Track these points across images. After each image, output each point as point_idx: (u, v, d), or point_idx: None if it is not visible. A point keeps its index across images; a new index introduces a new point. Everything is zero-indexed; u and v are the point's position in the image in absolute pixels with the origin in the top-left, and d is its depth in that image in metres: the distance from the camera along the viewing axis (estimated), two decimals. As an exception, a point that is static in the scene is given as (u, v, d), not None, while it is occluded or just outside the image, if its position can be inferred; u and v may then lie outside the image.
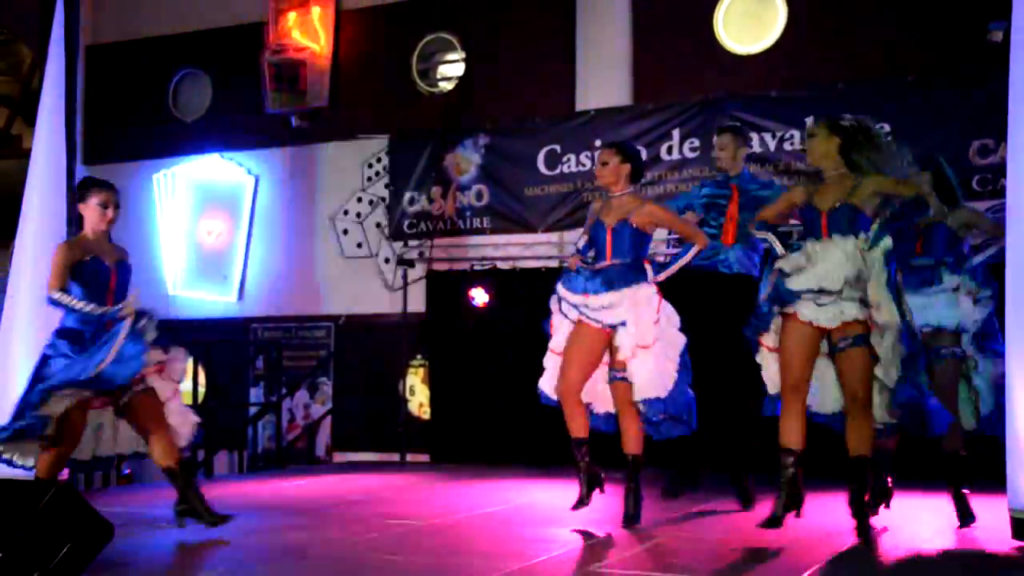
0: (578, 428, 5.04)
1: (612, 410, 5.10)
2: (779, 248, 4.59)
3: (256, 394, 10.99)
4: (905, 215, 4.52)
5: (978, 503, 4.95)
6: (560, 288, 5.14)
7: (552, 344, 5.20)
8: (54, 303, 4.79)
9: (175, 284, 11.63)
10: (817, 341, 4.52)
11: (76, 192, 5.03)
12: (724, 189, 5.87)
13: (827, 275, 4.38)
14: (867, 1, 9.04)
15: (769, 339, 4.63)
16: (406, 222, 10.11)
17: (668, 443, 5.24)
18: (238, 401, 10.82)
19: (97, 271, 4.87)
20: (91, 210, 4.95)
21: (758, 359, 4.67)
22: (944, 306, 4.93)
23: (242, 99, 11.44)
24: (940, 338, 4.91)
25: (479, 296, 9.25)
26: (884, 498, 5.08)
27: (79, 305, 4.75)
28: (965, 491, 4.92)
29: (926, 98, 8.23)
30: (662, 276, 5.02)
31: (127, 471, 8.72)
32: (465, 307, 9.32)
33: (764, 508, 5.37)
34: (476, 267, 9.60)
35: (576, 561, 4.19)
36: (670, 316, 4.94)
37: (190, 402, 9.30)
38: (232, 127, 11.52)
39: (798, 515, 4.59)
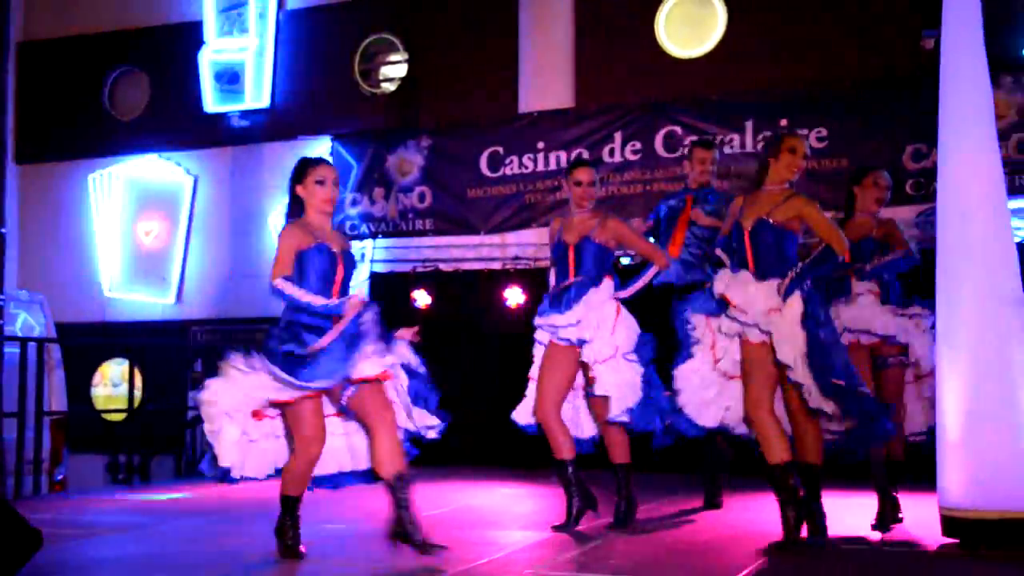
0: (563, 448, 5.00)
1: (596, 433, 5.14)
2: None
3: (195, 398, 10.79)
4: (816, 267, 4.54)
5: (907, 501, 5.05)
6: (536, 320, 5.14)
7: (531, 372, 5.18)
8: (277, 292, 4.29)
9: (111, 286, 11.43)
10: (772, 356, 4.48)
11: (292, 177, 4.39)
12: (683, 202, 5.83)
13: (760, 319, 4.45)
14: (804, 8, 9.19)
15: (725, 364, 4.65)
16: (348, 223, 10.03)
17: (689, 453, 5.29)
18: (176, 405, 10.64)
19: (323, 259, 4.32)
20: (309, 190, 4.38)
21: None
22: (880, 314, 5.01)
23: (181, 98, 11.29)
24: (887, 348, 5.01)
25: (421, 298, 9.21)
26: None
27: (306, 298, 4.23)
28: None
29: (862, 103, 8.37)
30: (623, 294, 5.05)
31: (60, 477, 8.52)
32: (407, 309, 9.26)
33: (732, 510, 5.44)
34: (419, 269, 9.56)
35: (517, 563, 4.19)
36: (629, 327, 4.96)
37: (125, 406, 9.17)
38: (170, 126, 11.36)
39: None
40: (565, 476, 5.00)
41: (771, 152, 4.62)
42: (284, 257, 4.30)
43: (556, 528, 4.96)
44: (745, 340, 4.49)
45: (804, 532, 4.41)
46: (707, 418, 4.63)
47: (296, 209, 4.43)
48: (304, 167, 4.42)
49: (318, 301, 4.23)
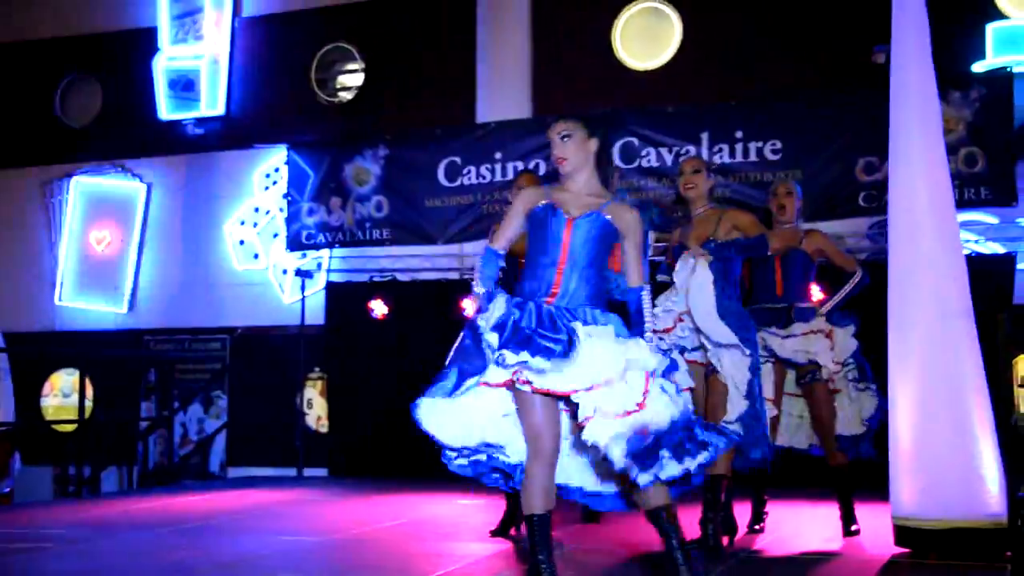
0: None
1: None
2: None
3: (148, 408, 10.69)
4: (744, 249, 4.70)
5: (862, 511, 5.11)
6: None
7: None
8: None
9: (62, 295, 11.25)
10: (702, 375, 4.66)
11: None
12: None
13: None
14: (758, 22, 9.31)
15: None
16: (304, 233, 9.97)
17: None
18: (128, 415, 10.50)
19: (545, 222, 3.53)
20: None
21: None
22: (798, 344, 5.03)
23: (134, 106, 11.17)
24: (802, 368, 5.07)
25: (378, 308, 9.16)
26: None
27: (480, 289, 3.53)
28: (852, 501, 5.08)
29: (815, 116, 8.48)
30: None
31: (6, 489, 8.36)
32: (364, 319, 9.22)
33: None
34: (375, 279, 9.52)
35: (473, 575, 4.17)
36: None
37: (75, 416, 9.04)
38: (123, 134, 11.23)
39: (731, 542, 4.67)
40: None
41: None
42: (505, 221, 3.63)
43: (492, 533, 5.05)
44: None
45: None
46: None
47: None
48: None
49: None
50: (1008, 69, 8.09)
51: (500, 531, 5.09)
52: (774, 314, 5.09)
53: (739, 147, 8.63)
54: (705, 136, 8.69)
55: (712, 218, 4.76)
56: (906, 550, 4.40)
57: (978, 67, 8.38)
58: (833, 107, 8.46)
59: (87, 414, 9.32)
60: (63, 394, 11.08)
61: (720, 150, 8.62)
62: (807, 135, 8.47)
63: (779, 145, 8.50)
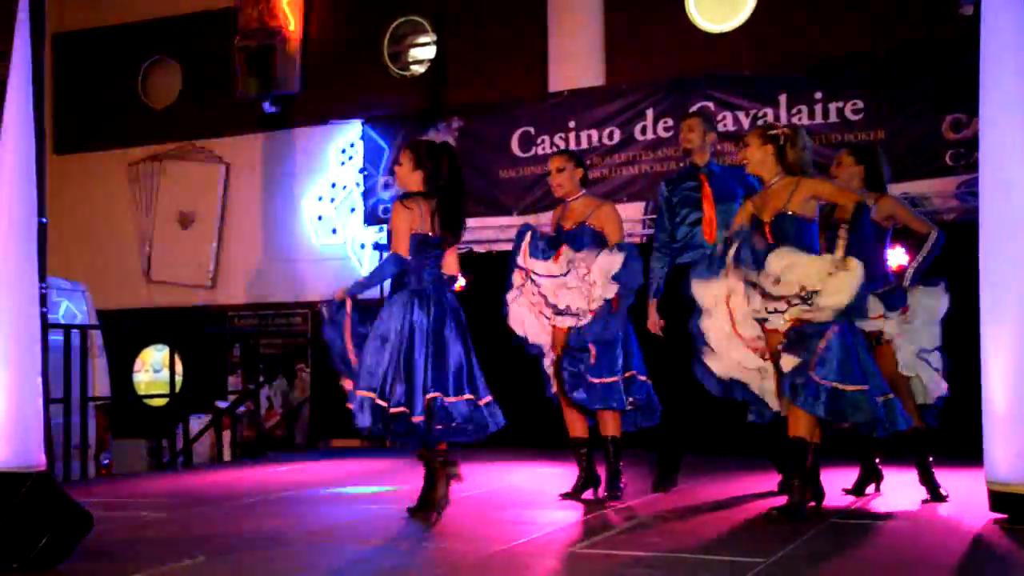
0: (574, 427, 5.34)
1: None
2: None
3: (233, 383, 10.94)
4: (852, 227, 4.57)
5: (954, 476, 5.00)
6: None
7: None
8: None
9: (152, 272, 11.55)
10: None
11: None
12: (694, 180, 5.64)
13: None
14: (838, -23, 9.07)
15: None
16: (381, 207, 10.06)
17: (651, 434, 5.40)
18: (215, 390, 10.76)
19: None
20: None
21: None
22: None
23: (213, 86, 11.37)
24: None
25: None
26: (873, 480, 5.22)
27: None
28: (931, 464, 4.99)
29: (898, 73, 8.24)
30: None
31: (106, 462, 8.66)
32: (443, 291, 9.27)
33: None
34: (452, 251, 9.56)
35: (556, 543, 4.20)
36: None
37: (166, 391, 9.30)
38: (203, 114, 11.45)
39: (818, 508, 4.63)
40: (576, 453, 5.32)
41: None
42: None
43: (564, 496, 5.23)
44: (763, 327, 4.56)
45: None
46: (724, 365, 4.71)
47: None
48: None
49: None
50: (1106, 16, 7.75)
51: (573, 494, 5.23)
52: None
53: (818, 108, 8.44)
54: (783, 98, 8.52)
55: (786, 189, 4.56)
56: (1003, 516, 4.30)
57: (1073, 15, 8.05)
58: (916, 62, 8.22)
59: (177, 389, 9.57)
60: (154, 369, 11.40)
61: (799, 112, 8.44)
62: (889, 93, 8.24)
63: (860, 105, 8.29)
